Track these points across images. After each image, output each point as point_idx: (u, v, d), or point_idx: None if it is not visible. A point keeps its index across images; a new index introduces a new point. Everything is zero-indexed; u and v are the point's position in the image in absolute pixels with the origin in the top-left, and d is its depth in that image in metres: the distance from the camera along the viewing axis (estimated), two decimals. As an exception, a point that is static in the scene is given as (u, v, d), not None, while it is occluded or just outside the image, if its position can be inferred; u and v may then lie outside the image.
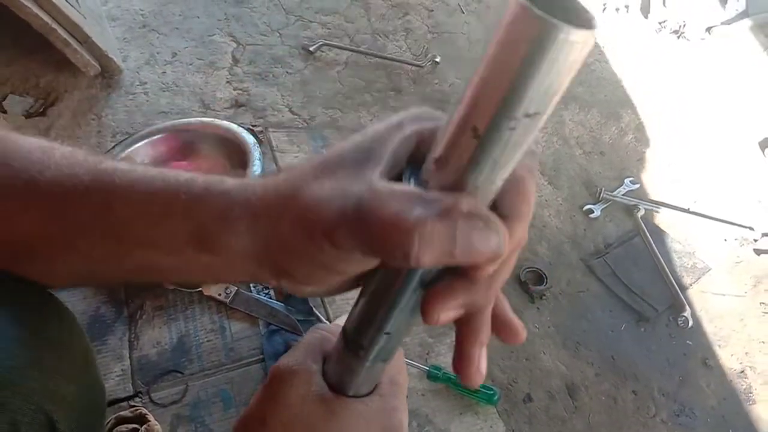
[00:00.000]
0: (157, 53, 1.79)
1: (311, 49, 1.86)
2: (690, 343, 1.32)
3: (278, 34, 1.92)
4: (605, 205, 1.58)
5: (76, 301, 1.15)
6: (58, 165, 0.39)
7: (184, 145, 1.38)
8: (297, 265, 0.35)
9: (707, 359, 1.30)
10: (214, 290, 1.16)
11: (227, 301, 1.15)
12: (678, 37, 2.20)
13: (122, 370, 1.07)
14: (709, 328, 1.36)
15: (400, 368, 0.43)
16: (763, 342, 1.34)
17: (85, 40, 1.55)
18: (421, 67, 1.89)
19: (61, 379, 0.43)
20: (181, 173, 0.38)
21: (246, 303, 1.16)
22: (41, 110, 1.59)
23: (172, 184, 0.37)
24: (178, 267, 0.39)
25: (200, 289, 1.17)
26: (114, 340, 1.11)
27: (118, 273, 0.41)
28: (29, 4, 1.37)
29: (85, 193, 0.38)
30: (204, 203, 0.36)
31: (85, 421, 0.46)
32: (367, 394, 0.41)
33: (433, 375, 1.10)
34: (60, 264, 0.41)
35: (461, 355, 0.35)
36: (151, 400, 1.04)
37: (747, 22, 2.26)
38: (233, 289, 1.17)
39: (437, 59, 1.91)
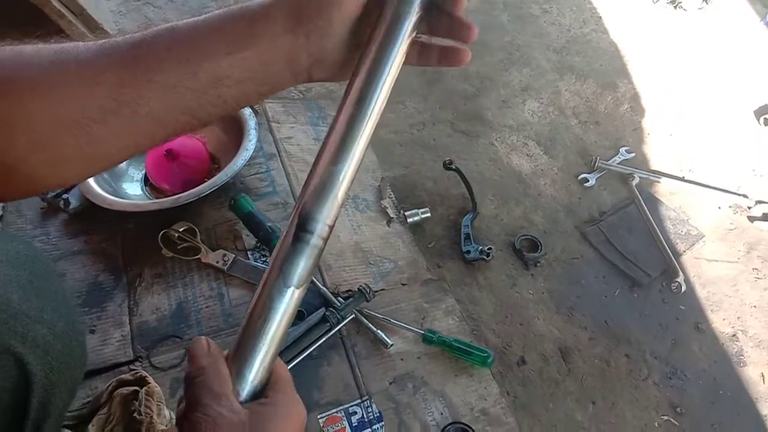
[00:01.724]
0: (153, 26, 1.77)
1: (306, 20, 1.86)
2: (683, 308, 1.34)
3: (273, 6, 1.91)
4: (600, 174, 1.59)
5: (75, 270, 1.17)
6: (122, 37, 0.47)
7: (180, 115, 1.38)
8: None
9: (700, 323, 1.32)
10: (212, 257, 1.18)
11: (225, 268, 1.17)
12: (675, 8, 2.19)
13: (122, 335, 1.09)
14: (702, 293, 1.38)
15: (279, 363, 0.48)
16: (755, 306, 1.36)
17: (80, 12, 1.55)
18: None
19: (30, 322, 0.43)
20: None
21: (244, 270, 1.17)
22: (37, 84, 1.59)
23: (216, 12, 0.47)
24: (237, 66, 0.46)
25: (198, 256, 1.18)
26: (113, 307, 1.13)
27: (189, 99, 0.46)
28: (23, -25, 1.36)
29: (152, 41, 0.45)
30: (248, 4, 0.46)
31: (61, 365, 0.47)
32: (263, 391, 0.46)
33: (428, 338, 1.11)
34: (142, 108, 0.45)
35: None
36: (151, 365, 1.06)
37: (745, -9, 2.25)
38: (231, 256, 1.18)
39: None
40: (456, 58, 0.54)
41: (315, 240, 0.45)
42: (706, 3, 2.22)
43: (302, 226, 0.45)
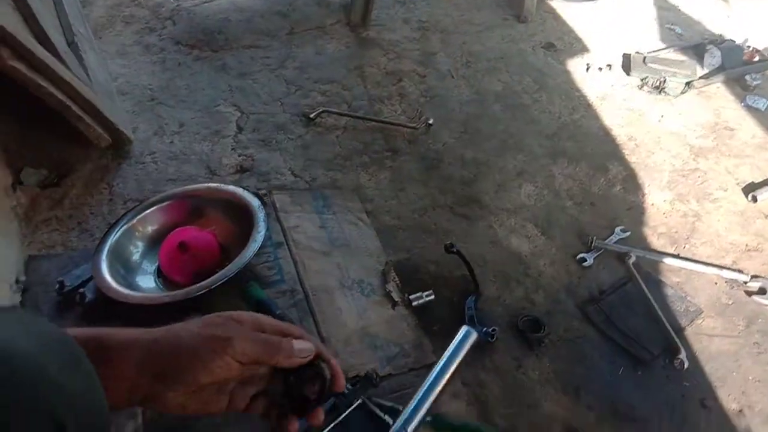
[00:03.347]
0: (165, 124, 1.89)
1: (311, 115, 1.97)
2: (687, 384, 1.35)
3: (280, 103, 2.03)
4: (597, 254, 1.64)
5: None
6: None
7: (193, 209, 1.46)
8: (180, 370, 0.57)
9: (705, 400, 1.32)
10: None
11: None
12: (659, 92, 2.31)
13: (134, 428, 1.10)
14: (705, 369, 1.39)
15: None
16: (759, 381, 1.37)
17: (97, 115, 1.65)
18: (416, 128, 1.99)
19: (68, 396, 0.46)
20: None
21: None
22: (55, 181, 1.68)
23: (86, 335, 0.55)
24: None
25: None
26: (126, 399, 1.15)
27: None
28: (46, 84, 1.47)
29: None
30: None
31: None
32: None
33: (436, 424, 1.12)
34: None
35: None
36: (163, 456, 1.07)
37: (721, 76, 2.37)
38: None
39: (430, 121, 2.01)
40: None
41: None
42: (688, 87, 2.35)
43: None
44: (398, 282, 1.48)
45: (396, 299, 1.43)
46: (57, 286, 1.31)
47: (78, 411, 0.47)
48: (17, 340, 0.45)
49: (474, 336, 1.16)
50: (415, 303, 1.43)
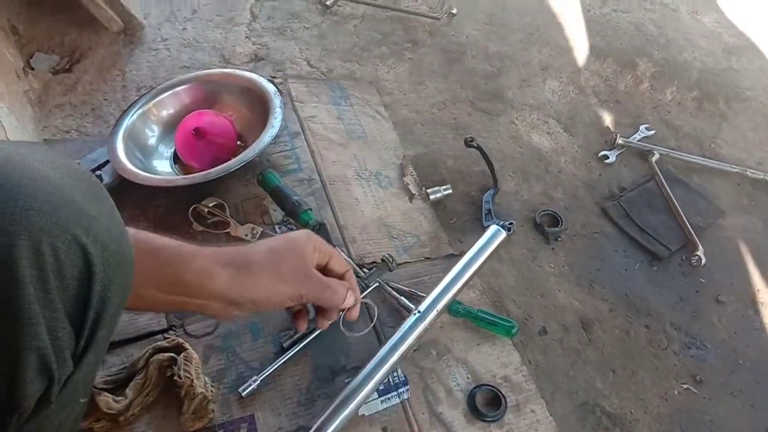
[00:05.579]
0: (177, 10, 1.82)
1: (328, 3, 1.88)
2: (703, 280, 1.35)
3: (295, -11, 1.94)
4: (620, 151, 1.60)
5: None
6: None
7: (208, 95, 1.43)
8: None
9: (719, 295, 1.33)
10: (241, 231, 1.22)
11: (253, 241, 1.20)
12: (696, -13, 2.18)
13: (157, 305, 1.13)
14: (722, 266, 1.39)
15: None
16: (776, 280, 1.37)
17: (108, -4, 1.59)
18: (438, 19, 1.91)
19: (93, 221, 0.47)
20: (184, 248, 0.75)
21: (271, 242, 1.21)
22: (67, 67, 1.64)
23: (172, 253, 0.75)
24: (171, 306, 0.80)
25: (228, 230, 1.22)
26: (148, 279, 1.17)
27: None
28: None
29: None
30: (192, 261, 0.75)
31: (117, 264, 0.50)
32: None
33: (453, 309, 1.14)
34: None
35: None
36: (186, 332, 1.10)
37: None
38: (259, 230, 1.22)
39: (453, 11, 1.92)
40: None
41: None
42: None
43: None
44: (415, 176, 1.46)
45: (413, 192, 1.42)
46: (74, 169, 1.30)
47: (102, 242, 0.47)
48: (42, 168, 0.45)
49: (503, 235, 1.16)
50: (432, 197, 1.42)
